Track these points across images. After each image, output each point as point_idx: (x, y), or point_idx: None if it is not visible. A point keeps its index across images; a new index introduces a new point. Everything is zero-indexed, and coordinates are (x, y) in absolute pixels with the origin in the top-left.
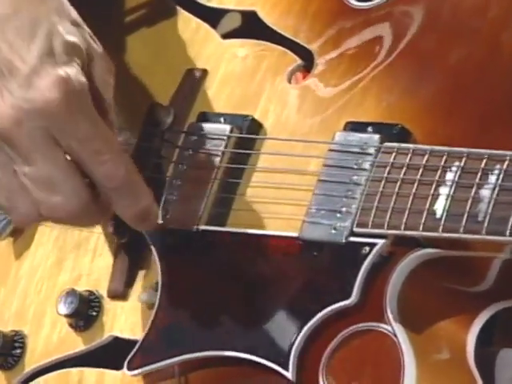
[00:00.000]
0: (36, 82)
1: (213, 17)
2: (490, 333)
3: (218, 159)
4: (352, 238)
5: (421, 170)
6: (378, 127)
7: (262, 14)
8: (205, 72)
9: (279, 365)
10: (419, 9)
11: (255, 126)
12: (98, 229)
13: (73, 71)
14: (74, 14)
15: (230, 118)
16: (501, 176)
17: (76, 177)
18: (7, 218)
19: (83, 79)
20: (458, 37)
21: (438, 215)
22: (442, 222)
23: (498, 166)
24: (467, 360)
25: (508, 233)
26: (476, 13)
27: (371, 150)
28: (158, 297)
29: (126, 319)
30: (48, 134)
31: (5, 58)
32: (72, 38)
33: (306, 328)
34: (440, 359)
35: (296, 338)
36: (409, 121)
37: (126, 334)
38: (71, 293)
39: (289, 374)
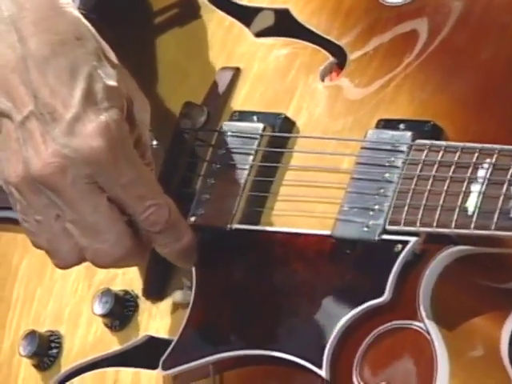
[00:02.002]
0: (79, 129)
1: (246, 15)
2: None
3: (251, 158)
4: (385, 236)
5: (452, 167)
6: (410, 124)
7: (294, 12)
8: (238, 71)
9: (313, 363)
10: (451, 5)
11: (288, 125)
12: None
13: (115, 117)
14: (112, 55)
15: (262, 117)
16: None
17: (120, 224)
18: None
19: (125, 124)
20: (490, 33)
21: (470, 212)
22: (474, 218)
23: None
24: (501, 357)
25: None
26: (505, 9)
27: (403, 148)
28: (192, 296)
29: (161, 319)
30: (92, 181)
31: (47, 102)
32: (112, 82)
33: (339, 326)
34: (473, 356)
35: (329, 335)
36: (441, 117)
37: (161, 334)
38: (106, 292)
39: (322, 372)
